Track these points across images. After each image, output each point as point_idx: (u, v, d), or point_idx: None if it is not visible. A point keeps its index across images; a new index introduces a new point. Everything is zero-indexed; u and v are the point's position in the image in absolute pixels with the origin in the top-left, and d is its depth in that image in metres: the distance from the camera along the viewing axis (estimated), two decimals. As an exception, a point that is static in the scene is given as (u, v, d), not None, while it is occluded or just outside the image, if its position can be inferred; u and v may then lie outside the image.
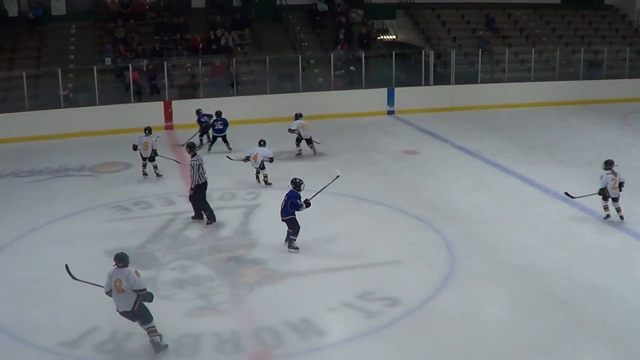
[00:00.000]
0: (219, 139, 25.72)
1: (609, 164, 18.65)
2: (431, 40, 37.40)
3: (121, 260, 11.82)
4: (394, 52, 33.20)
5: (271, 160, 21.80)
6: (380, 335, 12.87)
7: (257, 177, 21.96)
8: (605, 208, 18.68)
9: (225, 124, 25.68)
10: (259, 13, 36.87)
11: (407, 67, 34.65)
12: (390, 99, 32.00)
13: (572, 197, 19.64)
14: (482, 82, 34.28)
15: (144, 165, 22.52)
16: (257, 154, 21.59)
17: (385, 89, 32.27)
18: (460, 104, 32.96)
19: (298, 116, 25.15)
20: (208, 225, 18.26)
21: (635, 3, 43.10)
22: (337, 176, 17.79)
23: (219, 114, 25.66)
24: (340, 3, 38.13)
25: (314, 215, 17.84)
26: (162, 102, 29.67)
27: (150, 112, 28.69)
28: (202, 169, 18.17)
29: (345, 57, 34.20)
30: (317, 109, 29.25)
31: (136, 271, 11.89)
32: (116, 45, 32.55)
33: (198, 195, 18.31)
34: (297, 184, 16.52)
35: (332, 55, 32.64)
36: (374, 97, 31.88)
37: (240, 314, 13.79)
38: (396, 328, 13.11)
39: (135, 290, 11.78)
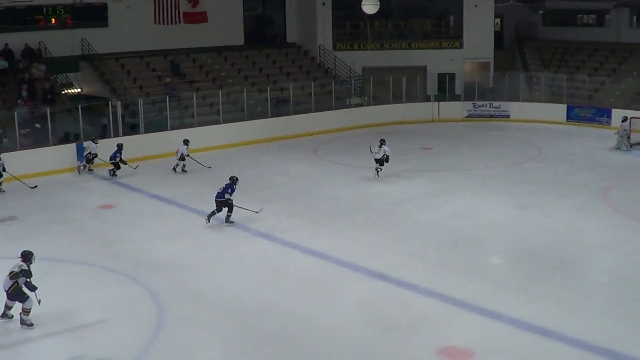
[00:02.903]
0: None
1: (381, 142, 27.29)
2: (117, 91, 36.87)
3: (23, 256, 15.57)
4: (79, 106, 32.27)
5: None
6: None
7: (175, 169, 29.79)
8: (379, 170, 27.31)
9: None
10: None
11: (94, 119, 33.81)
12: (80, 154, 30.95)
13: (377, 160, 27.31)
14: (172, 128, 34.06)
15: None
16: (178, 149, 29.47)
17: (75, 144, 31.22)
18: (152, 152, 32.50)
19: (185, 142, 29.63)
20: None
21: (317, 39, 45.15)
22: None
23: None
24: (20, 59, 36.69)
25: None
26: None
27: None
28: None
29: (30, 114, 32.81)
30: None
31: (20, 266, 15.28)
32: None
33: None
34: (235, 181, 22.26)
35: (15, 113, 31.14)
36: (63, 153, 30.75)
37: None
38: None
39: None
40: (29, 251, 15.72)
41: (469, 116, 41.48)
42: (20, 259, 15.53)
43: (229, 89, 38.41)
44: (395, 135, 35.98)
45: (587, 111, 39.73)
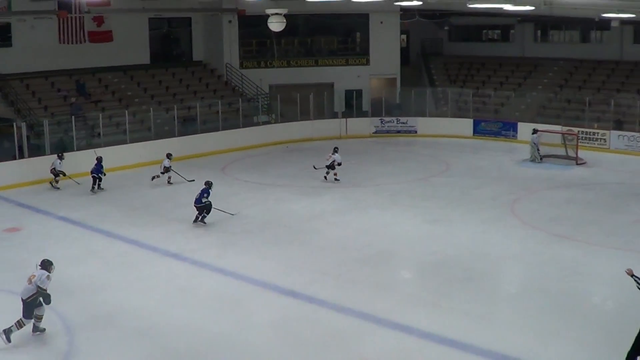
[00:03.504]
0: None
1: (335, 150, 29.76)
2: (22, 112, 36.12)
3: (43, 264, 15.57)
4: (-17, 128, 31.58)
5: None
6: None
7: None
8: (327, 173, 29.75)
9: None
10: None
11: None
12: (-12, 176, 30.27)
13: (315, 168, 30.20)
14: (79, 149, 33.46)
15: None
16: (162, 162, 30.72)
17: (-18, 166, 30.50)
18: (58, 174, 31.93)
19: (168, 155, 30.84)
20: None
21: (223, 57, 44.99)
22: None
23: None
24: None
25: None
26: None
27: None
28: None
29: None
30: None
31: (48, 276, 15.31)
32: None
33: None
34: (210, 185, 24.11)
35: None
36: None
37: None
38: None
39: (38, 287, 15.17)
40: (49, 261, 15.77)
41: (376, 132, 41.88)
42: (40, 266, 15.56)
43: (136, 109, 37.98)
44: (304, 152, 36.09)
45: (494, 125, 40.52)
